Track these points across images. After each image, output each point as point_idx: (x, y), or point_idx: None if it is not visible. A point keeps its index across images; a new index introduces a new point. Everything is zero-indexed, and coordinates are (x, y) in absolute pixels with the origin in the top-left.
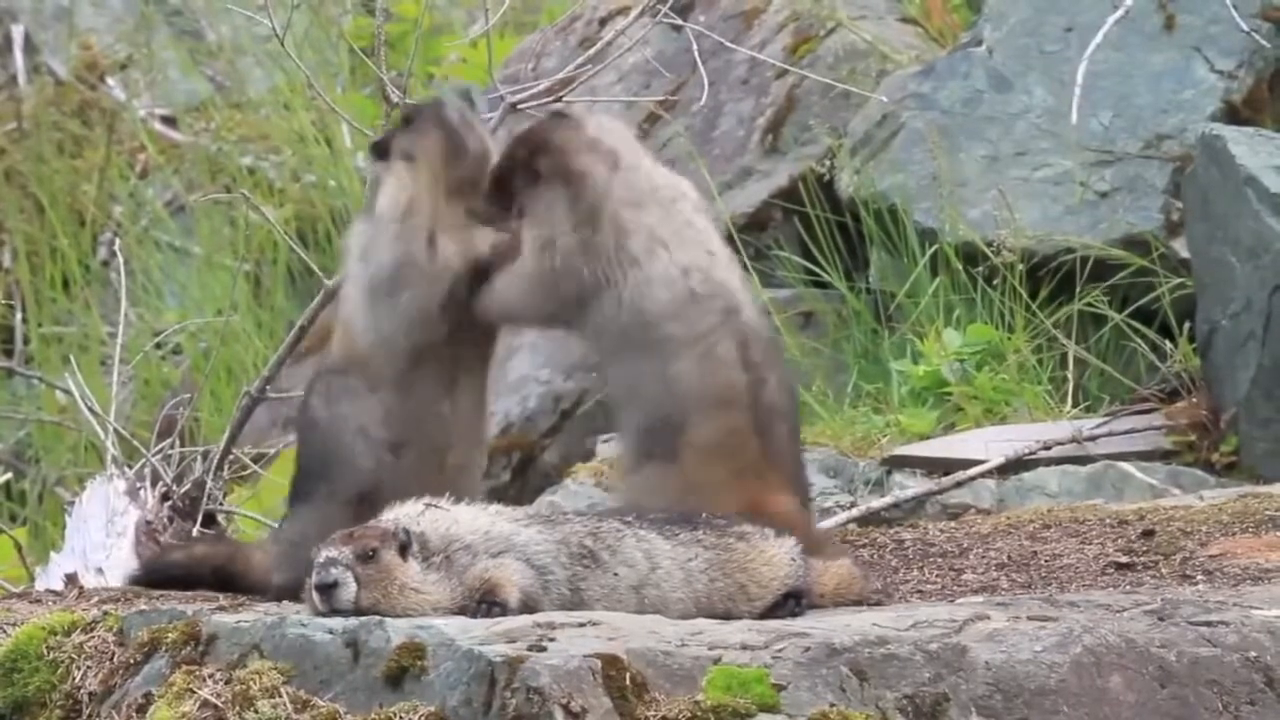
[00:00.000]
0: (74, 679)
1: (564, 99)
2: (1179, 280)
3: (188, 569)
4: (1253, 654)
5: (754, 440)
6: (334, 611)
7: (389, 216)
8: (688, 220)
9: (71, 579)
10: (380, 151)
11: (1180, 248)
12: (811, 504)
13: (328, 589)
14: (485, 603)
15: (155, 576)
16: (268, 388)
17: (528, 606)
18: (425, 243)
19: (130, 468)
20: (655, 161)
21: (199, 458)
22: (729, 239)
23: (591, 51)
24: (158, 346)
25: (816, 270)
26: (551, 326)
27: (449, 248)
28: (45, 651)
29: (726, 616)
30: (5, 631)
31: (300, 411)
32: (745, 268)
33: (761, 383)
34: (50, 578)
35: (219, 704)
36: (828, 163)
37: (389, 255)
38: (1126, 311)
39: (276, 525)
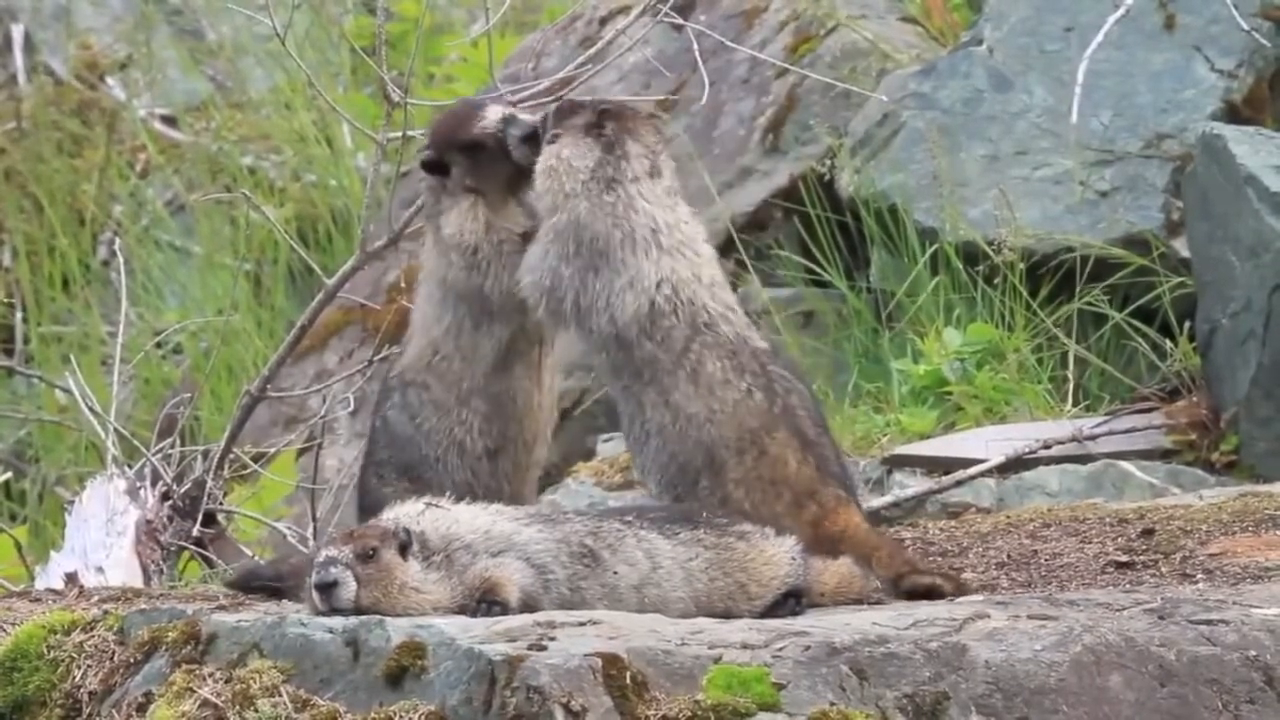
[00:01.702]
0: (74, 678)
1: (564, 99)
2: (1179, 279)
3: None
4: (1252, 653)
5: (796, 456)
6: (334, 610)
7: (468, 249)
8: (687, 241)
9: (71, 578)
10: (434, 169)
11: (1180, 247)
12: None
13: (327, 588)
14: (485, 602)
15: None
16: (268, 387)
17: (528, 605)
18: (502, 267)
19: (130, 467)
20: (692, 217)
21: (199, 457)
22: (729, 239)
23: (592, 51)
24: (158, 346)
25: (817, 270)
26: (569, 302)
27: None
28: (45, 650)
29: (727, 615)
30: (5, 631)
31: (378, 421)
32: (746, 267)
33: (770, 391)
34: (50, 577)
35: (219, 703)
36: (828, 162)
37: (486, 283)
38: (1127, 311)
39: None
